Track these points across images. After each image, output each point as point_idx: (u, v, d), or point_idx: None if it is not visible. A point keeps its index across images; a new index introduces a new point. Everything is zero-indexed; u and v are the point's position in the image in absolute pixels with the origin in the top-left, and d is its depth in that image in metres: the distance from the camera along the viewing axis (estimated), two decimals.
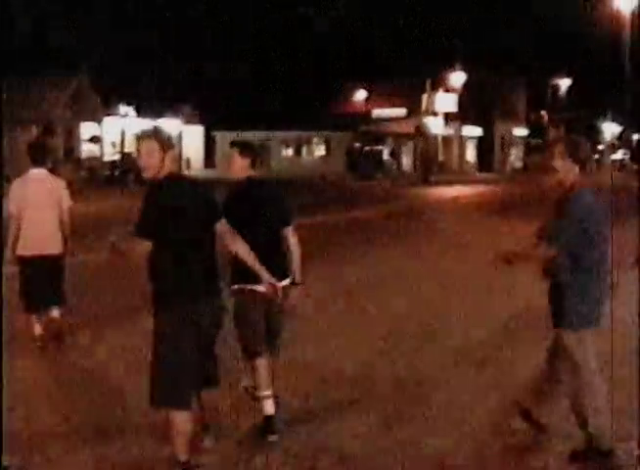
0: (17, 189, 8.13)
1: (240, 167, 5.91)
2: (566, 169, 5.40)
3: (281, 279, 5.70)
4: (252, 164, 5.92)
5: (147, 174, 5.00)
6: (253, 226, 5.66)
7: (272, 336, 5.93)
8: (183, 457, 5.03)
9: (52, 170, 8.53)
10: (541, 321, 6.38)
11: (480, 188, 41.18)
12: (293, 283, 5.97)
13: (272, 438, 5.76)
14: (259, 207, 5.84)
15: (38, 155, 8.25)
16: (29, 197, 8.03)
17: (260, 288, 5.56)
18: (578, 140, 5.58)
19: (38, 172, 8.19)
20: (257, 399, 5.92)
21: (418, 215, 25.86)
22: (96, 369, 7.62)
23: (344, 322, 9.58)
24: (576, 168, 5.38)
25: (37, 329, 8.25)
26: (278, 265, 5.73)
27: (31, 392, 6.91)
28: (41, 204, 8.06)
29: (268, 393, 5.81)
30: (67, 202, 8.27)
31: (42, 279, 8.19)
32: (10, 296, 8.42)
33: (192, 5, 63.30)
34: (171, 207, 4.87)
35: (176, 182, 5.01)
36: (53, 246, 8.18)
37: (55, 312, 8.33)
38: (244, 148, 5.96)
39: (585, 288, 5.33)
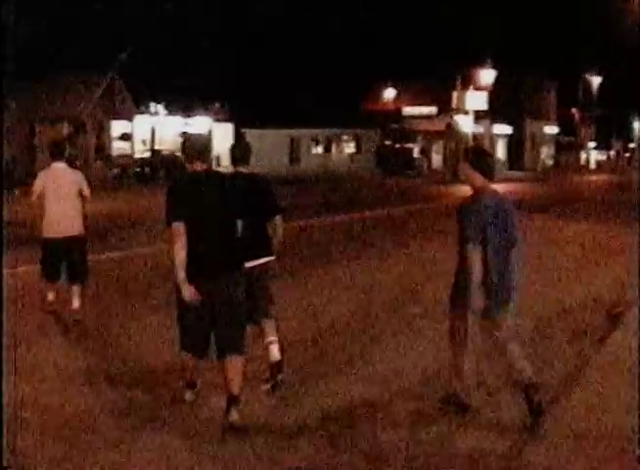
0: (40, 179, 9.20)
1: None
2: (466, 174, 6.20)
3: (267, 256, 6.79)
4: (234, 161, 6.86)
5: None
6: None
7: (261, 300, 6.76)
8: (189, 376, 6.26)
9: (70, 164, 9.58)
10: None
11: (511, 186, 40.72)
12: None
13: (280, 376, 6.73)
14: (244, 197, 6.54)
15: (56, 151, 9.31)
16: (51, 186, 9.07)
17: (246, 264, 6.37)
18: (480, 150, 6.56)
19: (58, 165, 9.22)
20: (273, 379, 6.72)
21: (446, 215, 25.69)
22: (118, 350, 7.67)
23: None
24: (477, 174, 6.13)
25: (50, 295, 9.25)
26: (263, 245, 6.77)
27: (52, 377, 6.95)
28: (62, 192, 9.08)
29: (274, 338, 6.75)
30: (86, 190, 9.28)
31: (62, 256, 9.22)
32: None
33: (222, 3, 63.50)
34: (185, 195, 5.77)
35: (193, 176, 5.88)
36: (74, 228, 9.17)
37: (75, 303, 9.24)
38: (231, 146, 7.01)
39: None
